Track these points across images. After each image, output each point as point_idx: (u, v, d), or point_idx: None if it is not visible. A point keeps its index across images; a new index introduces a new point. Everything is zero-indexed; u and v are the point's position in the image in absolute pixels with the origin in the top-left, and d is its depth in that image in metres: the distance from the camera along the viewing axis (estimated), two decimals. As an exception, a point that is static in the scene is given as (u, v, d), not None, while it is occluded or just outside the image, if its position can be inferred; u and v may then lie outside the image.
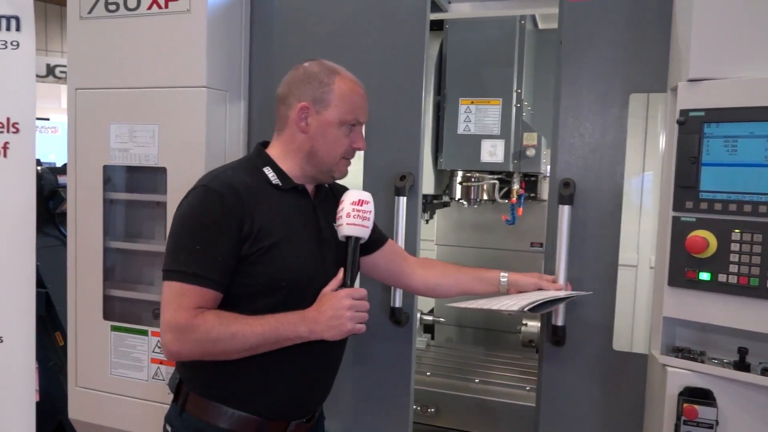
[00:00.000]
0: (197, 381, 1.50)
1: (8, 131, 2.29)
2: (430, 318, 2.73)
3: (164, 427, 1.55)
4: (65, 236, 2.34)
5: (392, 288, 1.95)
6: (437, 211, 2.75)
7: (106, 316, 2.19)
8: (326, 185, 1.65)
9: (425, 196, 2.27)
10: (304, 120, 1.50)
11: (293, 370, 1.50)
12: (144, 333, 2.13)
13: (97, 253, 2.17)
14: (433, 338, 2.94)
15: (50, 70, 9.90)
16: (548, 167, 1.98)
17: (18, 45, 2.29)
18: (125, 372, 2.16)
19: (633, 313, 2.77)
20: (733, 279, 1.47)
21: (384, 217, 1.97)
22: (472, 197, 2.36)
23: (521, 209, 2.32)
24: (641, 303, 2.73)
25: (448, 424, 2.24)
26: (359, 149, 1.58)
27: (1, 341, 2.33)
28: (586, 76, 1.81)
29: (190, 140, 2.01)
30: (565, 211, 1.78)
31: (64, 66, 2.29)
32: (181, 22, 2.00)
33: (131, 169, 2.17)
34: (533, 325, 2.46)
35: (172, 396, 1.57)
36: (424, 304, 2.87)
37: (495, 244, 2.89)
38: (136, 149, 2.09)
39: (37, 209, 2.37)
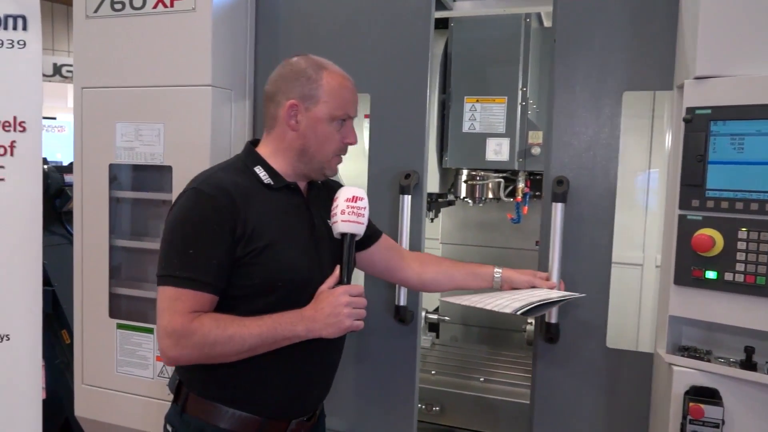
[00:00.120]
0: (197, 382, 1.49)
1: (15, 130, 2.30)
2: (434, 316, 2.72)
3: (165, 427, 1.54)
4: (71, 234, 2.35)
5: (397, 286, 1.95)
6: (442, 209, 2.74)
7: (112, 314, 2.20)
8: (319, 181, 1.63)
9: (430, 195, 2.26)
10: (293, 118, 1.49)
11: (293, 369, 1.49)
12: (149, 331, 2.14)
13: (103, 251, 2.18)
14: (437, 337, 2.94)
15: (57, 70, 9.92)
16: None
17: (25, 44, 2.30)
18: (131, 370, 2.17)
19: (639, 312, 2.76)
20: (739, 278, 1.46)
21: (389, 215, 1.97)
22: (477, 196, 2.36)
23: (526, 208, 2.32)
24: (647, 302, 2.73)
25: (452, 422, 2.24)
26: (351, 144, 1.56)
27: (8, 339, 2.34)
28: (579, 74, 1.82)
29: (195, 139, 2.01)
30: (558, 208, 1.78)
31: (71, 65, 2.31)
32: (186, 20, 2.01)
33: (137, 168, 2.18)
34: (538, 323, 2.45)
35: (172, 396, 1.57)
36: (429, 302, 2.87)
37: (500, 242, 2.89)
38: (142, 148, 2.10)
39: (44, 208, 2.38)
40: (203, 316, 1.37)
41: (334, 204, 1.50)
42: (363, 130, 2.53)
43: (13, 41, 2.29)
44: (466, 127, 2.20)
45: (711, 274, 1.49)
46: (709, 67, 1.50)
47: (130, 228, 2.24)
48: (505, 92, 2.17)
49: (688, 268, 1.52)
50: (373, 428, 2.06)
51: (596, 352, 1.82)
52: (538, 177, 2.41)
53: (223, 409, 1.46)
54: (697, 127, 1.51)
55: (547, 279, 1.76)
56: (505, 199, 2.34)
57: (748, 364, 1.49)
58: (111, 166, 2.16)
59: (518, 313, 1.53)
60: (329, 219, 1.52)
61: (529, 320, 2.48)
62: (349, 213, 1.47)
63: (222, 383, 1.46)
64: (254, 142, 1.59)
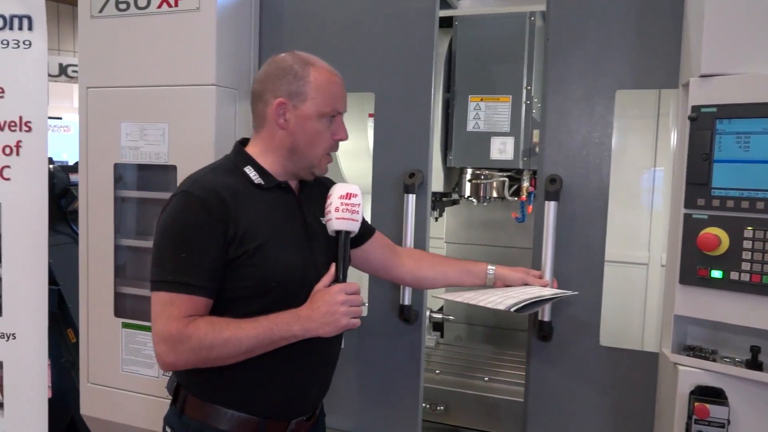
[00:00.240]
0: (195, 384, 1.48)
1: (21, 130, 2.31)
2: (439, 316, 2.72)
3: (164, 429, 1.53)
4: (77, 234, 2.36)
5: (401, 286, 1.95)
6: (446, 208, 2.74)
7: (118, 313, 2.20)
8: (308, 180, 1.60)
9: (434, 194, 2.26)
10: (282, 116, 1.47)
11: (290, 369, 1.48)
12: (154, 330, 2.15)
13: (109, 250, 2.19)
14: (442, 336, 2.93)
15: (62, 70, 9.96)
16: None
17: (30, 44, 2.31)
18: (136, 369, 2.18)
19: (644, 311, 2.76)
20: (745, 277, 1.45)
21: (393, 214, 1.97)
22: (481, 195, 2.35)
23: (531, 207, 2.31)
24: (652, 301, 2.72)
25: (457, 422, 2.24)
26: (342, 140, 1.54)
27: (14, 338, 2.35)
28: (572, 73, 1.82)
29: (199, 138, 2.01)
30: (551, 207, 1.78)
31: (77, 65, 2.31)
32: (190, 20, 2.01)
33: (142, 167, 2.18)
34: (543, 323, 2.45)
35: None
36: (433, 301, 2.87)
37: (504, 241, 2.88)
38: (147, 147, 2.10)
39: (50, 207, 2.39)
40: (198, 320, 1.36)
41: (328, 201, 1.48)
42: (367, 129, 2.54)
43: (18, 41, 2.30)
44: (470, 126, 2.20)
45: (716, 274, 1.49)
46: (715, 65, 1.49)
47: (135, 227, 2.25)
48: (509, 91, 2.16)
49: (693, 267, 1.52)
50: (378, 428, 2.06)
51: (590, 350, 1.83)
52: (543, 176, 2.41)
53: (221, 410, 1.45)
54: (703, 125, 1.50)
55: (540, 277, 1.76)
56: (510, 198, 2.33)
57: (754, 364, 1.48)
58: (116, 165, 2.17)
59: (512, 310, 1.54)
60: (323, 217, 1.51)
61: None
62: (343, 210, 1.46)
63: (220, 385, 1.45)
64: (243, 142, 1.57)
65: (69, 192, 3.12)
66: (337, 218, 1.46)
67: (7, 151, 2.28)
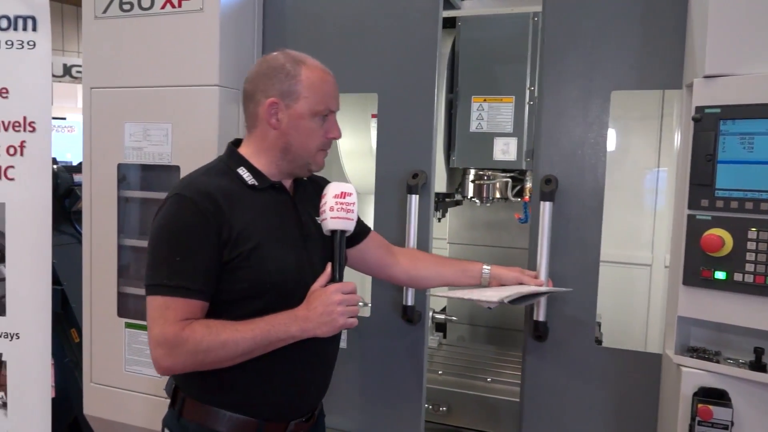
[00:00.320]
0: (193, 386, 1.47)
1: (25, 130, 2.32)
2: (442, 316, 2.72)
3: (162, 431, 1.53)
4: (80, 234, 2.36)
5: (404, 286, 1.95)
6: (449, 209, 2.74)
7: (121, 313, 2.21)
8: (304, 177, 1.60)
9: (437, 195, 2.26)
10: (274, 116, 1.45)
11: (288, 371, 1.47)
12: (158, 330, 2.15)
13: (112, 250, 2.20)
14: (445, 337, 2.93)
15: (67, 70, 9.99)
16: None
17: (34, 45, 2.32)
18: (139, 369, 2.18)
19: (647, 312, 2.75)
20: (749, 278, 1.45)
21: (396, 215, 1.97)
22: (484, 195, 2.35)
23: (534, 207, 2.31)
24: (656, 302, 2.71)
25: (459, 423, 2.24)
26: (335, 138, 1.53)
27: (18, 338, 2.36)
28: (568, 73, 1.82)
29: (203, 138, 2.02)
30: (546, 207, 1.78)
31: (80, 66, 2.32)
32: (194, 21, 2.01)
33: (145, 168, 2.19)
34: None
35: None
36: (436, 302, 2.86)
37: (508, 242, 2.88)
38: (150, 148, 2.11)
39: (53, 207, 2.40)
40: (195, 324, 1.35)
41: (323, 201, 1.47)
42: (370, 129, 2.54)
43: (23, 42, 2.31)
44: (473, 127, 2.20)
45: (720, 275, 1.48)
46: (719, 65, 1.49)
47: (138, 227, 2.25)
48: (512, 91, 2.16)
49: (697, 268, 1.51)
50: (381, 428, 2.06)
51: (585, 349, 1.83)
52: (545, 176, 2.41)
53: (220, 412, 1.44)
54: (707, 126, 1.50)
55: (536, 277, 1.76)
56: (513, 198, 2.33)
57: (758, 365, 1.47)
58: (119, 166, 2.17)
59: (506, 301, 1.54)
60: (317, 216, 1.50)
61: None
62: (338, 209, 1.44)
63: (218, 387, 1.44)
64: (236, 143, 1.56)
65: (73, 192, 3.12)
66: (332, 218, 1.45)
67: (12, 151, 2.29)
